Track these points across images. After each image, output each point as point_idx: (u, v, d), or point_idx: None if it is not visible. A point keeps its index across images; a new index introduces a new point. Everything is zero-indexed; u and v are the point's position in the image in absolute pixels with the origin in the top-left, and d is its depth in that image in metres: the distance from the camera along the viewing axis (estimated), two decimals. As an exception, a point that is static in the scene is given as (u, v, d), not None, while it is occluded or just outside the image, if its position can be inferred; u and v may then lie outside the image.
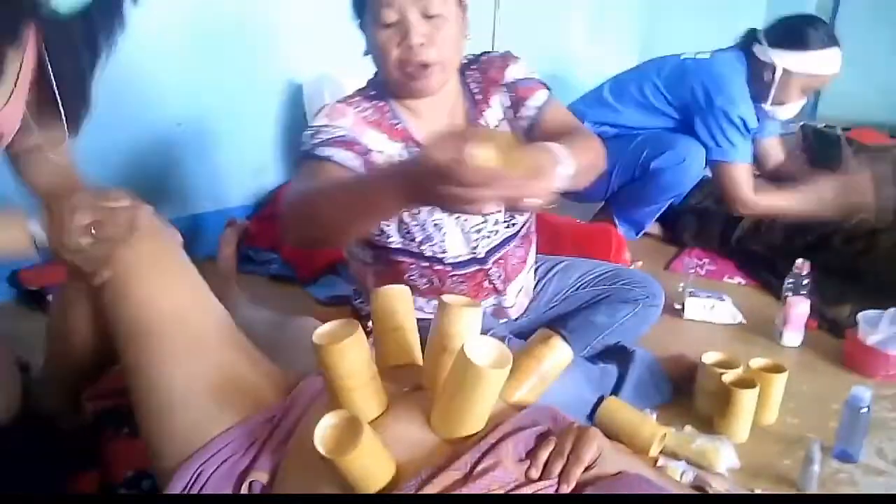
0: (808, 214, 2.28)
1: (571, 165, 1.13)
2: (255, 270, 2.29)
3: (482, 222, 1.49)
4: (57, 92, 1.02)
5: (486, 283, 1.54)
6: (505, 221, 1.52)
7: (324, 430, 0.77)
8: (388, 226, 1.46)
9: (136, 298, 1.06)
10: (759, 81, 2.30)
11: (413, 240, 1.46)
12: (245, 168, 2.51)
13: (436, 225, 1.45)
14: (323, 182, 1.21)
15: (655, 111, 2.42)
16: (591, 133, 1.40)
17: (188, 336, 1.05)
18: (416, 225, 1.44)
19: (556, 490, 0.80)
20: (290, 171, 2.60)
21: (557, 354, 0.98)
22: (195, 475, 0.96)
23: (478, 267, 1.51)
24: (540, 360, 0.98)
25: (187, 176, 2.35)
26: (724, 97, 2.27)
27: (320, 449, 0.75)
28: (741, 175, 2.30)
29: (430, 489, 0.76)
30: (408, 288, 1.00)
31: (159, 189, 2.30)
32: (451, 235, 1.47)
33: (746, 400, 1.46)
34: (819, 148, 3.51)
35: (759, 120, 2.34)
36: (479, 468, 0.79)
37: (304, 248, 1.88)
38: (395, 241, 1.47)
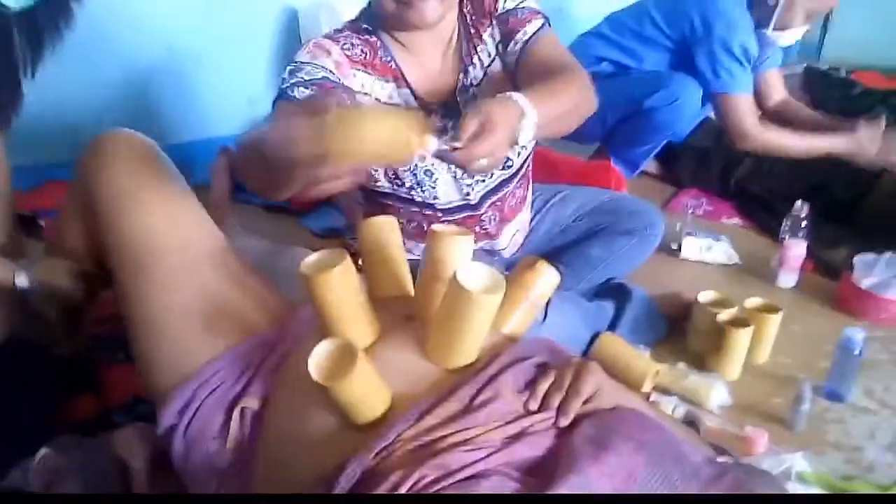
0: (813, 157, 2.25)
1: (536, 115, 1.09)
2: (249, 200, 2.26)
3: None
4: None
5: (477, 229, 1.50)
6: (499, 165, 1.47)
7: (318, 357, 0.77)
8: (377, 170, 1.42)
9: (129, 222, 1.04)
10: (762, 5, 2.23)
11: (402, 185, 1.43)
12: (239, 96, 2.46)
13: (426, 171, 1.41)
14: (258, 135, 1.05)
15: (655, 45, 2.35)
16: (579, 72, 1.31)
17: (181, 261, 1.03)
18: (406, 171, 1.40)
19: (555, 422, 0.80)
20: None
21: (545, 279, 0.97)
22: (188, 401, 0.96)
23: (470, 213, 1.48)
24: (528, 288, 0.96)
25: (180, 103, 2.30)
26: (723, 24, 2.18)
27: (314, 375, 0.75)
28: (743, 106, 2.24)
29: (430, 420, 0.76)
30: (395, 219, 0.99)
31: (152, 116, 2.26)
32: (443, 182, 1.43)
33: (740, 339, 1.47)
34: (823, 90, 3.47)
35: (760, 48, 2.27)
36: (479, 400, 0.79)
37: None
38: (384, 185, 1.44)
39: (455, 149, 1.02)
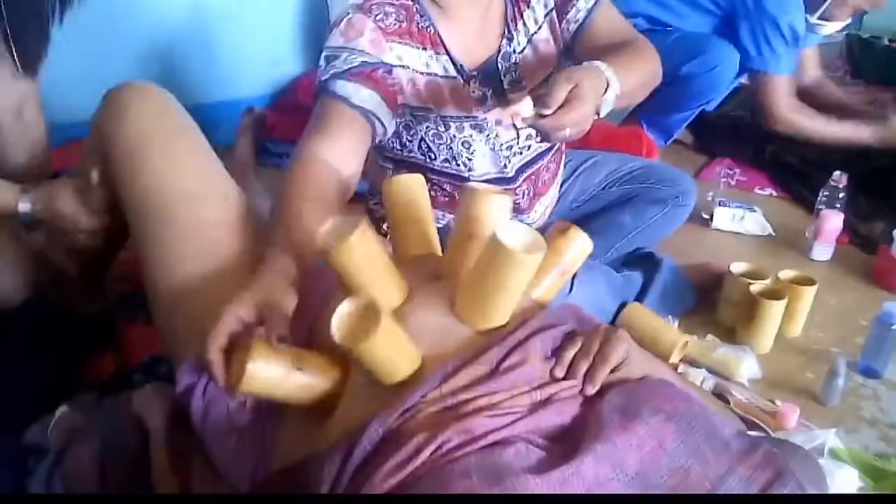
0: (845, 143, 2.18)
1: (618, 87, 1.10)
2: (273, 162, 2.24)
3: (513, 138, 1.39)
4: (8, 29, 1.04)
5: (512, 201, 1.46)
6: (538, 136, 1.41)
7: (341, 317, 0.74)
8: (411, 140, 1.37)
9: (146, 174, 1.01)
10: None
11: (434, 158, 1.38)
12: (263, 56, 2.42)
13: (464, 143, 1.36)
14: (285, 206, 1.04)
15: (700, 8, 2.26)
16: (648, 45, 1.29)
17: (200, 216, 1.01)
18: (441, 143, 1.35)
19: (581, 391, 0.77)
20: (308, 61, 2.51)
21: (577, 246, 0.93)
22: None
23: (505, 186, 1.42)
24: (559, 253, 0.93)
25: (205, 63, 2.27)
26: (776, 1, 2.11)
27: (337, 338, 0.72)
28: (782, 88, 2.18)
29: (456, 381, 0.73)
30: (422, 178, 0.95)
31: (177, 76, 2.23)
32: (480, 154, 1.37)
33: (774, 311, 1.42)
34: (863, 58, 3.35)
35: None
36: (506, 364, 0.76)
37: None
38: (417, 157, 1.40)
39: (542, 116, 1.02)
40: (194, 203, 1.02)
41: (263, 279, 0.89)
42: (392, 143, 1.38)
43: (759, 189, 2.29)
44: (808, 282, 1.50)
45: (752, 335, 1.45)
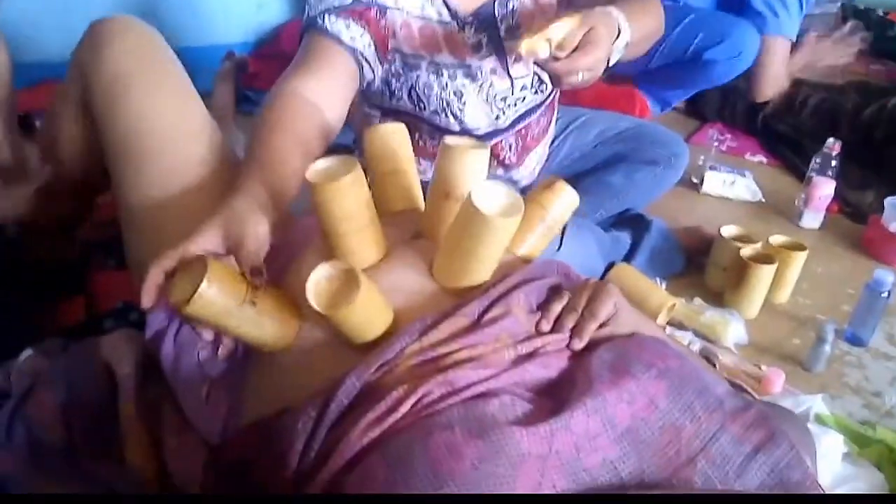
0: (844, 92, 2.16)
1: (629, 36, 1.08)
2: (254, 112, 2.16)
3: (507, 88, 1.33)
4: None
5: (500, 156, 1.41)
6: (533, 87, 1.36)
7: (317, 281, 0.70)
8: (400, 88, 1.31)
9: (128, 114, 0.96)
10: None
11: (424, 108, 1.32)
12: (246, 1, 2.33)
13: (456, 92, 1.30)
14: (264, 126, 0.96)
15: None
16: None
17: (179, 158, 0.96)
18: (433, 92, 1.29)
19: (568, 345, 0.74)
20: (293, 8, 2.43)
21: (563, 200, 0.90)
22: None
23: (496, 139, 1.38)
24: (545, 207, 0.89)
25: (184, 5, 2.19)
26: None
27: (313, 303, 0.68)
28: (785, 51, 2.14)
29: (436, 334, 0.70)
30: (405, 127, 0.90)
31: (157, 18, 2.15)
32: (472, 104, 1.31)
33: (763, 276, 1.40)
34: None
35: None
36: (488, 316, 0.73)
37: None
38: (406, 106, 1.33)
39: (556, 59, 0.99)
40: (176, 143, 0.96)
41: (234, 206, 0.79)
42: (381, 90, 1.32)
43: (750, 155, 2.26)
44: (799, 247, 1.48)
45: (739, 300, 1.43)
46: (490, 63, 1.28)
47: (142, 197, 0.96)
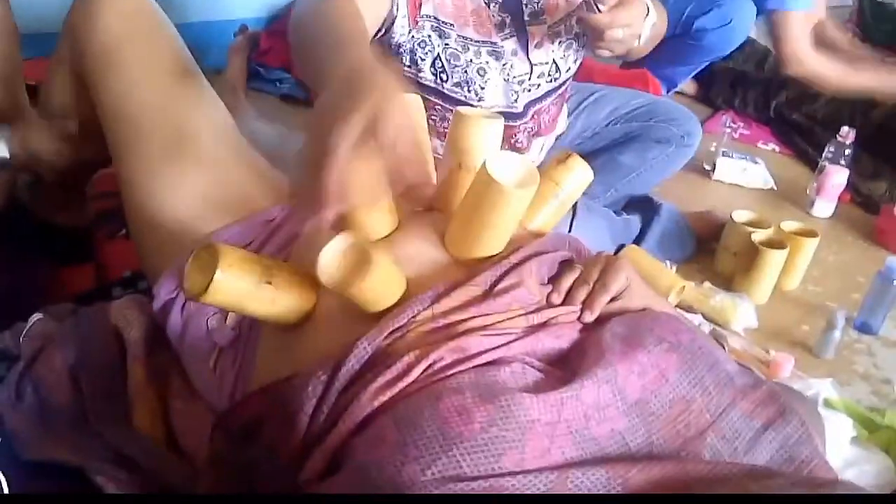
0: (858, 93, 2.10)
1: (654, 18, 1.13)
2: (266, 88, 2.16)
3: (526, 73, 1.32)
4: None
5: (511, 140, 1.40)
6: (549, 76, 1.35)
7: (328, 255, 0.69)
8: (423, 59, 1.29)
9: (122, 83, 0.94)
10: None
11: (446, 81, 1.30)
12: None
13: (479, 70, 1.29)
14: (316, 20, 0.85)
15: None
16: None
17: (178, 132, 0.94)
18: (458, 66, 1.28)
19: (579, 318, 0.74)
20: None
21: (577, 175, 0.88)
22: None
23: (510, 122, 1.36)
24: (558, 182, 0.88)
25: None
26: None
27: (324, 280, 0.67)
28: (801, 25, 2.05)
29: (448, 302, 0.69)
30: (420, 98, 0.89)
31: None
32: (493, 83, 1.30)
33: (774, 261, 1.39)
34: (875, 22, 3.27)
35: None
36: (500, 286, 0.72)
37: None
38: (427, 78, 1.31)
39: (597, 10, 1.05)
40: (171, 113, 0.95)
41: (374, 84, 0.61)
42: (403, 58, 1.31)
43: (763, 143, 2.25)
44: (810, 234, 1.47)
45: (749, 284, 1.42)
46: (511, 44, 1.28)
47: (140, 170, 0.95)
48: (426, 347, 0.63)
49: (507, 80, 1.31)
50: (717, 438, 0.62)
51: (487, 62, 1.28)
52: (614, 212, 1.51)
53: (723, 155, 1.95)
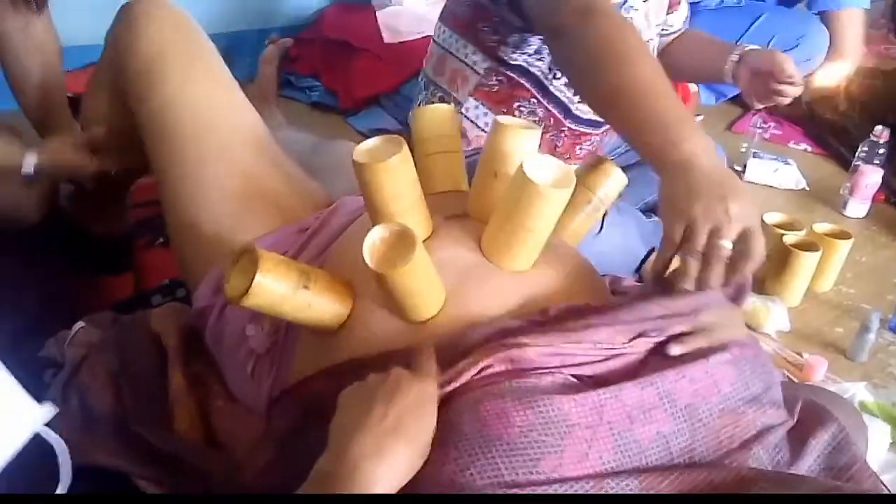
0: None
1: None
2: (296, 96, 2.19)
3: None
4: None
5: (577, 150, 1.39)
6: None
7: (372, 243, 0.70)
8: (531, 35, 1.24)
9: (162, 97, 0.97)
10: None
11: (557, 78, 1.27)
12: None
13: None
14: None
15: None
16: None
17: (217, 143, 0.96)
18: None
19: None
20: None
21: (611, 181, 0.89)
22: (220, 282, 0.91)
23: (590, 130, 1.36)
24: (592, 189, 0.88)
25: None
26: None
27: (369, 262, 0.68)
28: (861, 22, 2.04)
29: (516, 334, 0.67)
30: (453, 108, 0.90)
31: (201, 3, 2.17)
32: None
33: (807, 263, 1.38)
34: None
35: None
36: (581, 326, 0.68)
37: None
38: (534, 66, 1.28)
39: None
40: (212, 125, 0.97)
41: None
42: (520, 39, 1.26)
43: (794, 143, 2.22)
44: (844, 235, 1.46)
45: (781, 287, 1.41)
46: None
47: (179, 179, 0.97)
48: (477, 356, 0.64)
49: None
50: (763, 450, 0.62)
51: None
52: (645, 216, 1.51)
53: (754, 156, 1.93)
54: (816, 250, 1.39)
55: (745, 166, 1.93)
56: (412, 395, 0.57)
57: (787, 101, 1.22)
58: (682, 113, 0.82)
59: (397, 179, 0.76)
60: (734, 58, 1.29)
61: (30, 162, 1.09)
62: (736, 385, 0.64)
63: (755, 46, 1.30)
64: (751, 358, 0.67)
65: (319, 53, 2.22)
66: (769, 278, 1.43)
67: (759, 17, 2.03)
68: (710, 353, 0.66)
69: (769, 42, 1.98)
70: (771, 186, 1.93)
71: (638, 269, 1.37)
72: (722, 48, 1.33)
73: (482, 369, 0.61)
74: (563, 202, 0.74)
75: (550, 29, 1.03)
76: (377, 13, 2.15)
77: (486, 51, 1.29)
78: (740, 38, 2.00)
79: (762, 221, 1.47)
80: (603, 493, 0.54)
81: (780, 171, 1.92)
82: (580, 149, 1.40)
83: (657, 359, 0.67)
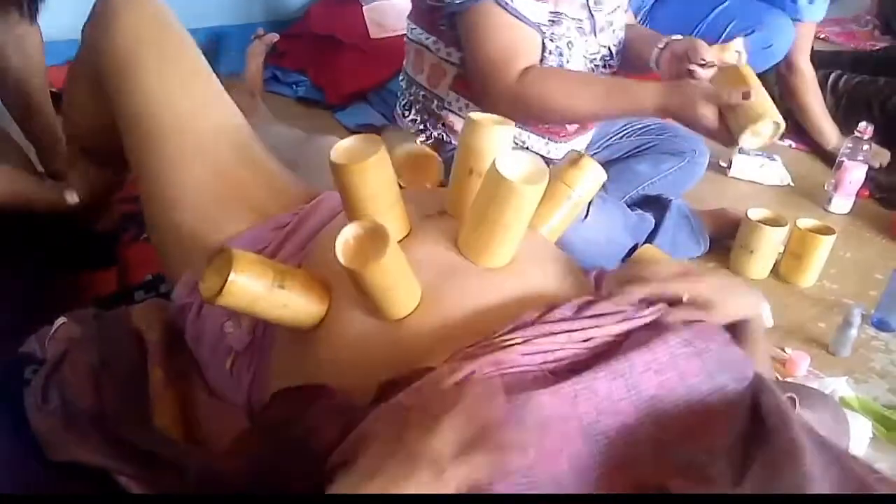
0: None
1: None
2: (282, 91, 2.19)
3: (596, 51, 1.35)
4: None
5: (567, 149, 1.40)
6: (604, 61, 1.38)
7: (345, 240, 0.70)
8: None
9: (140, 88, 0.95)
10: None
11: (543, 50, 1.29)
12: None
13: (569, 42, 1.29)
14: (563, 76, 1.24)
15: None
16: None
17: (193, 141, 0.95)
18: (553, 36, 1.27)
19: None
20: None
21: (590, 176, 0.89)
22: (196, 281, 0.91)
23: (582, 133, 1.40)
24: (571, 185, 0.88)
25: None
26: None
27: (341, 259, 0.68)
28: (811, 36, 2.07)
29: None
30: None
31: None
32: (575, 59, 1.31)
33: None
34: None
35: None
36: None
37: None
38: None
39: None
40: (189, 121, 0.95)
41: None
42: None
43: (779, 139, 2.23)
44: (827, 231, 1.47)
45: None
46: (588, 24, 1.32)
47: (154, 171, 0.96)
48: (464, 362, 0.63)
49: (584, 56, 1.34)
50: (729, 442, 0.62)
51: (573, 38, 1.30)
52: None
53: (739, 152, 1.94)
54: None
55: (730, 162, 1.94)
56: None
57: (699, 82, 1.22)
58: (624, 88, 1.22)
59: (374, 180, 0.75)
60: (660, 45, 1.32)
61: (72, 196, 1.17)
62: (701, 376, 0.64)
63: (679, 37, 1.32)
64: (715, 350, 0.67)
65: (306, 48, 2.21)
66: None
67: (721, 5, 2.02)
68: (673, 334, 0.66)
69: (727, 27, 1.98)
70: (756, 182, 1.94)
71: (624, 261, 1.38)
72: (653, 39, 1.35)
73: (469, 374, 0.61)
74: (536, 197, 0.74)
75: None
76: (364, 8, 2.15)
77: (452, 43, 1.31)
78: (699, 23, 2.01)
79: (746, 217, 1.49)
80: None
81: (766, 166, 1.93)
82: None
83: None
